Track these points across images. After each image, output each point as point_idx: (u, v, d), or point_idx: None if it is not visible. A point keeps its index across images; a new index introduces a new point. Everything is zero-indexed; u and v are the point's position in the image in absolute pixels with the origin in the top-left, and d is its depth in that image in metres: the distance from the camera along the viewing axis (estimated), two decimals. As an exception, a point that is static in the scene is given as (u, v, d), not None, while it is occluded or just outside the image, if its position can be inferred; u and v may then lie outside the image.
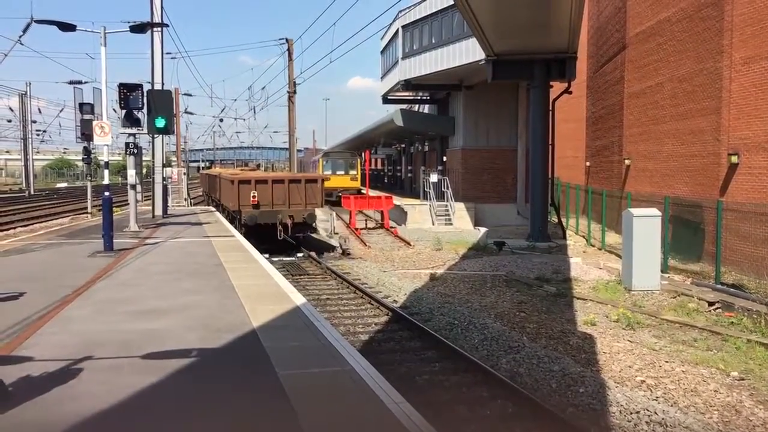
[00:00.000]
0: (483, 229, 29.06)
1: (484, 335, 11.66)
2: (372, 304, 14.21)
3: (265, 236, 21.74)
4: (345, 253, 22.09)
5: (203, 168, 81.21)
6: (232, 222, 23.85)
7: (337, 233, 27.57)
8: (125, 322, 8.36)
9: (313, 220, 22.39)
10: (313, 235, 24.76)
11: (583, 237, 26.85)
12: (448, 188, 32.50)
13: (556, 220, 29.09)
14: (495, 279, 17.84)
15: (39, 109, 73.38)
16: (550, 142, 26.74)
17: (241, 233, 20.46)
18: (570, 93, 27.53)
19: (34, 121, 67.01)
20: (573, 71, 25.49)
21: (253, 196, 22.04)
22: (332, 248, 23.80)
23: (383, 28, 39.33)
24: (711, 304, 14.06)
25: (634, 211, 16.50)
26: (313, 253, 21.63)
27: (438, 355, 10.43)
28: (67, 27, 16.19)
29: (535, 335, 11.94)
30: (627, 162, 26.49)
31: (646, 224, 15.95)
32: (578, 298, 15.25)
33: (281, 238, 21.93)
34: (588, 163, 34.44)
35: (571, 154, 40.31)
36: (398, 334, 11.82)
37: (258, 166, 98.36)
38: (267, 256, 19.06)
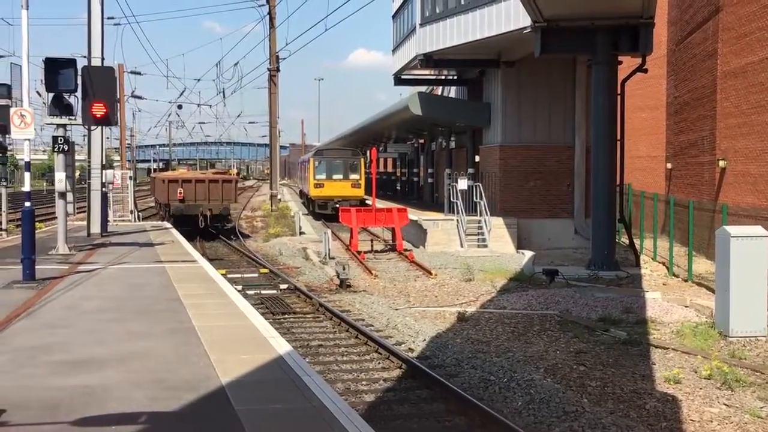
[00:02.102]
0: (528, 253, 28.99)
1: (530, 396, 11.61)
2: (380, 354, 14.18)
3: (190, 225, 34.33)
4: (344, 285, 22.17)
5: (156, 170, 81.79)
6: (165, 214, 37.25)
7: (333, 258, 27.59)
8: (51, 377, 8.37)
9: (228, 212, 37.08)
10: (228, 225, 39.00)
11: (663, 264, 26.73)
12: (481, 198, 32.50)
13: (627, 242, 28.98)
14: (545, 320, 17.76)
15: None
16: (618, 138, 26.70)
17: (170, 222, 33.57)
18: (645, 71, 27.47)
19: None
20: (649, 42, 25.49)
21: (179, 192, 35.16)
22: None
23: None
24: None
25: (731, 229, 16.41)
26: (301, 286, 21.82)
27: (468, 423, 10.38)
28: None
29: (599, 396, 11.87)
30: (722, 164, 26.41)
31: (749, 247, 15.85)
32: (657, 347, 15.15)
33: (202, 226, 35.02)
34: (669, 165, 34.37)
35: (646, 153, 40.22)
36: (415, 393, 11.78)
37: (229, 169, 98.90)
38: (240, 288, 19.15)
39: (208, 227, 35.43)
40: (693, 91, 30.59)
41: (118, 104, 40.67)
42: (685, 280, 23.75)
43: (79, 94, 18.71)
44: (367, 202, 42.32)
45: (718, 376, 12.69)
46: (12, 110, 17.10)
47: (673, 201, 27.09)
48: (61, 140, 19.52)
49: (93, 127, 23.52)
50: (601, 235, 26.08)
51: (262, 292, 21.00)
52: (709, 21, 28.10)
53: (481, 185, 33.29)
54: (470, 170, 37.62)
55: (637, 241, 28.98)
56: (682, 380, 12.69)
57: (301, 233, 37.26)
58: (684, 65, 32.07)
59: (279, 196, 54.05)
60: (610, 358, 14.39)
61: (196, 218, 34.94)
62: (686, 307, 19.09)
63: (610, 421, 10.48)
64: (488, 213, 32.02)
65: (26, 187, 16.72)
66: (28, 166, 17.05)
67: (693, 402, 11.60)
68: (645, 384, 12.61)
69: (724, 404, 11.53)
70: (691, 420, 10.77)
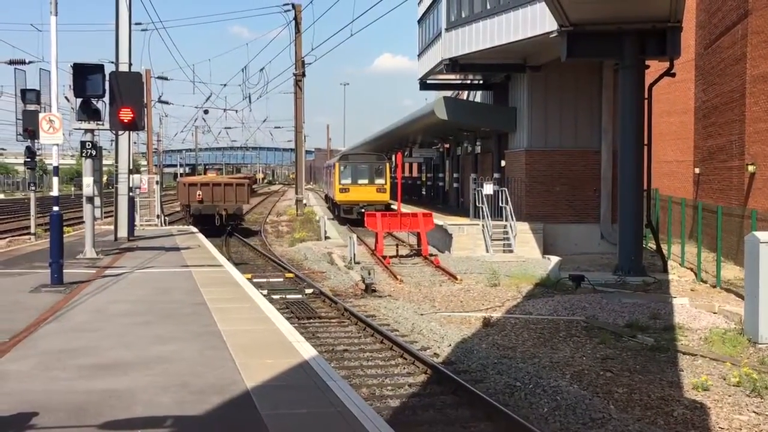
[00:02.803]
0: (554, 259, 28.89)
1: (556, 402, 11.55)
2: (405, 359, 14.17)
3: (208, 223, 38.29)
4: (369, 290, 22.18)
5: (183, 175, 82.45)
6: (186, 214, 41.43)
7: (358, 263, 27.62)
8: (79, 380, 8.45)
9: (241, 212, 41.76)
10: (242, 224, 44.20)
11: (691, 270, 26.53)
12: (507, 203, 32.42)
13: (654, 247, 28.78)
14: (571, 326, 17.67)
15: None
16: (645, 142, 26.53)
17: (190, 222, 38.95)
18: (673, 76, 27.28)
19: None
20: (677, 46, 25.33)
21: (198, 195, 39.53)
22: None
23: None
24: None
25: (761, 235, 16.25)
26: (326, 291, 21.86)
27: (494, 429, 10.35)
28: (7, -10, 16.56)
29: (626, 403, 11.79)
30: (751, 168, 26.17)
31: (778, 253, 15.70)
32: (684, 353, 15.03)
33: (218, 224, 38.84)
34: (697, 170, 34.12)
35: (674, 158, 39.95)
36: (440, 399, 11.76)
37: (255, 174, 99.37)
38: (265, 292, 19.20)
39: (224, 225, 39.49)
40: (721, 96, 30.36)
41: (145, 109, 41.01)
42: (714, 286, 23.55)
43: (106, 99, 18.91)
44: (392, 206, 42.34)
45: (748, 384, 12.58)
46: (41, 115, 17.30)
47: (701, 206, 26.88)
48: (88, 145, 19.71)
49: (120, 132, 23.78)
50: (628, 240, 25.93)
51: (288, 296, 21.04)
52: (738, 24, 27.88)
53: (506, 190, 33.23)
54: (496, 175, 37.55)
55: (664, 247, 28.77)
56: (710, 387, 12.58)
57: (326, 238, 37.32)
58: (712, 69, 31.84)
59: (304, 201, 54.23)
60: (638, 364, 14.29)
61: (213, 217, 39.07)
62: (714, 313, 18.93)
63: (637, 428, 10.41)
64: (514, 218, 31.94)
65: (55, 192, 16.90)
66: (56, 170, 17.23)
67: (722, 409, 11.50)
68: (673, 391, 12.51)
69: (754, 412, 11.42)
70: (720, 428, 10.68)
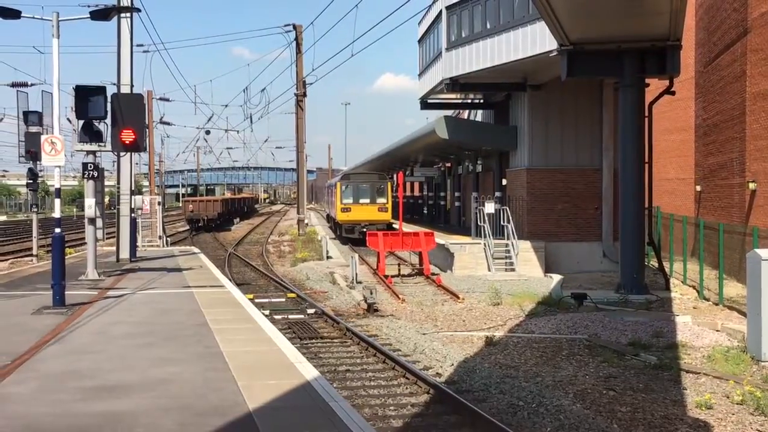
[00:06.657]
0: (557, 277, 28.86)
1: (559, 421, 11.53)
2: (407, 378, 14.14)
3: (197, 224, 62.51)
4: (371, 309, 22.16)
5: (184, 195, 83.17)
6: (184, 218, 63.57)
7: (360, 282, 27.59)
8: (80, 403, 8.43)
9: (215, 217, 64.55)
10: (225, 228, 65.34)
11: (694, 287, 26.49)
12: (508, 222, 32.42)
13: (656, 265, 28.75)
14: (573, 344, 17.64)
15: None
16: (646, 160, 26.58)
17: (187, 223, 65.01)
18: (673, 94, 27.35)
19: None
20: (677, 65, 25.41)
21: (190, 207, 64.95)
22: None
23: (422, 9, 39.77)
24: None
25: (762, 252, 16.24)
26: (328, 311, 21.84)
27: (497, 449, 10.31)
28: (9, 13, 16.65)
29: (630, 422, 11.75)
30: (752, 186, 26.18)
31: (780, 270, 15.68)
32: (688, 372, 15.01)
33: (201, 225, 62.27)
34: (698, 188, 34.13)
35: (675, 176, 39.99)
36: (443, 419, 11.73)
37: (256, 194, 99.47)
38: (267, 313, 19.19)
39: (207, 225, 62.33)
40: (722, 113, 30.42)
41: (147, 130, 41.13)
42: (716, 304, 23.52)
43: (108, 120, 18.98)
44: (394, 226, 42.35)
45: (751, 402, 12.54)
46: (43, 137, 17.34)
47: (702, 223, 26.86)
48: (90, 167, 19.76)
49: (122, 154, 23.85)
50: (630, 258, 25.91)
51: (290, 316, 21.01)
52: (737, 42, 27.98)
53: (508, 209, 33.23)
54: (497, 194, 37.58)
55: (666, 265, 28.76)
56: (714, 406, 12.55)
57: (328, 257, 37.30)
58: (712, 87, 31.92)
59: (306, 221, 54.24)
60: (641, 383, 14.26)
61: (199, 221, 62.56)
62: (717, 331, 18.90)
63: (640, 447, 10.37)
64: (516, 236, 31.93)
65: (56, 213, 16.93)
66: (58, 192, 17.25)
67: (725, 428, 11.47)
68: (676, 409, 12.47)
69: (758, 430, 11.39)
70: (724, 446, 10.63)
